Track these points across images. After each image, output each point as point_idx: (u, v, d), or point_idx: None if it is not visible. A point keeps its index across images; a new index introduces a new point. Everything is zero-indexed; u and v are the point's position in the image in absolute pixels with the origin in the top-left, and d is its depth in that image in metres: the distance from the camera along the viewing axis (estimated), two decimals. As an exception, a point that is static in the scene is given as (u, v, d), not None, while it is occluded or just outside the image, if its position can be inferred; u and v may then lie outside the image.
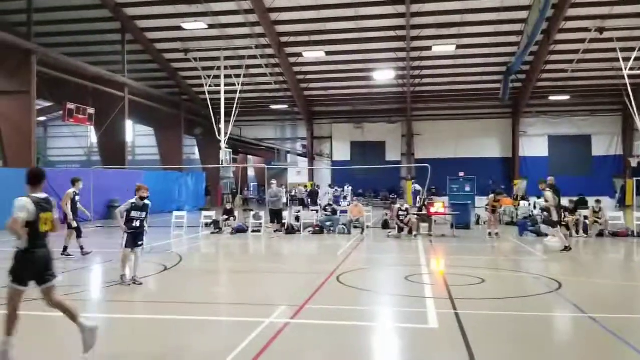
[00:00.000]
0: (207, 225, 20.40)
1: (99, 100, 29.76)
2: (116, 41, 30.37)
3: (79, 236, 13.35)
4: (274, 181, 19.47)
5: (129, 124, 33.81)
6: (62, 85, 27.14)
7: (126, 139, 32.25)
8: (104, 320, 7.80)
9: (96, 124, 29.48)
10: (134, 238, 9.88)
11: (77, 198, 13.51)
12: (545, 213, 15.38)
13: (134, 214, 9.87)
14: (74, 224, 13.19)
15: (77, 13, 28.34)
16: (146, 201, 10.03)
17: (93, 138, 41.94)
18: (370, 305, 8.61)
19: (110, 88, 29.51)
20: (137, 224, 9.89)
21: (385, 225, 20.60)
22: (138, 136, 49.50)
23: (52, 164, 45.62)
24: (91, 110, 27.83)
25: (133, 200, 9.92)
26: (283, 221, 19.45)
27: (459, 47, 30.45)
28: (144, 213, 10.00)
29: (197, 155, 44.62)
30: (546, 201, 14.70)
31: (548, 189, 15.21)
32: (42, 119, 44.62)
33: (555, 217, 14.54)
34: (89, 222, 21.02)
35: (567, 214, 17.28)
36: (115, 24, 29.55)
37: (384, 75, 34.67)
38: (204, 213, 21.52)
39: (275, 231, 18.98)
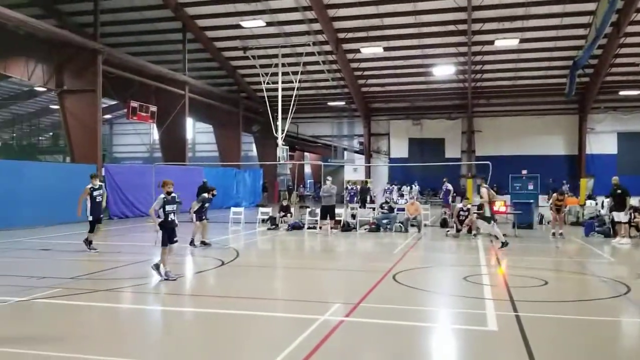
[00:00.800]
0: (263, 221, 20.56)
1: (160, 98, 30.56)
2: (177, 40, 31.08)
3: (91, 231, 13.36)
4: (329, 178, 19.35)
5: (189, 122, 34.55)
6: (126, 84, 27.99)
7: (186, 136, 32.99)
8: (160, 312, 8.01)
9: (158, 121, 30.27)
10: (170, 235, 9.96)
11: (95, 193, 13.40)
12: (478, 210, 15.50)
13: (168, 208, 9.96)
14: (90, 218, 13.34)
15: (140, 13, 29.15)
16: (173, 194, 10.10)
17: (155, 135, 43.14)
18: (427, 305, 8.44)
19: (171, 86, 30.27)
20: (172, 217, 9.99)
21: (444, 223, 20.17)
22: (198, 133, 50.59)
23: (116, 161, 47.32)
24: (153, 108, 28.58)
25: (163, 196, 9.98)
26: (337, 218, 19.32)
27: (522, 40, 29.38)
28: (175, 205, 10.11)
29: (254, 152, 45.13)
30: (481, 197, 14.78)
31: (485, 186, 15.41)
32: (107, 116, 46.32)
33: (488, 213, 14.55)
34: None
35: (637, 214, 16.38)
36: (177, 24, 30.21)
37: (444, 71, 33.93)
38: (261, 209, 21.71)
39: (330, 228, 18.82)
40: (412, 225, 19.40)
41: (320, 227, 18.87)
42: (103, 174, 23.61)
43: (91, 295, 8.64)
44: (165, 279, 9.58)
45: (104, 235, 16.50)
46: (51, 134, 54.08)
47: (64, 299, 8.28)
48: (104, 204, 13.90)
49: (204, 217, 14.76)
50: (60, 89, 25.59)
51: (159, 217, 9.95)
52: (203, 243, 14.68)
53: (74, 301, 8.20)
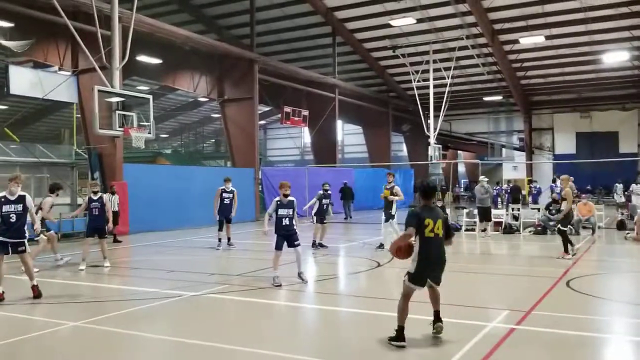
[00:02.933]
0: (417, 222, 19.83)
1: (311, 102, 31.30)
2: (327, 45, 31.60)
3: (220, 229, 14.57)
4: (483, 177, 18.09)
5: (339, 124, 34.96)
6: (279, 90, 29.04)
7: (337, 138, 33.40)
8: (316, 311, 7.94)
9: (309, 124, 30.99)
10: (285, 239, 9.41)
11: (224, 195, 14.51)
12: None
13: (281, 212, 9.41)
14: (217, 218, 14.57)
15: (291, 21, 30.08)
16: (290, 197, 9.57)
17: (306, 138, 44.39)
18: (606, 314, 7.61)
19: (321, 90, 30.85)
20: (286, 222, 9.40)
21: (621, 225, 17.97)
22: (347, 135, 51.21)
23: (271, 164, 49.57)
24: (305, 112, 29.29)
25: (278, 199, 9.54)
26: (498, 220, 18.02)
27: None
28: (291, 210, 9.52)
29: (404, 152, 44.63)
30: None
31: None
32: (262, 122, 48.70)
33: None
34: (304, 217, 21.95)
35: None
36: (326, 28, 30.70)
37: (615, 57, 30.55)
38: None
39: (482, 230, 17.64)
40: (584, 228, 17.53)
41: (484, 230, 17.75)
42: (260, 176, 24.63)
43: (253, 292, 8.87)
44: (273, 284, 9.24)
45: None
46: (213, 140, 58.31)
47: (231, 295, 8.77)
48: (235, 206, 14.48)
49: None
50: (221, 99, 27.30)
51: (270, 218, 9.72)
52: (320, 245, 14.43)
53: (239, 297, 8.59)
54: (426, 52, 29.19)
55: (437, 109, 28.70)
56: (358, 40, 31.95)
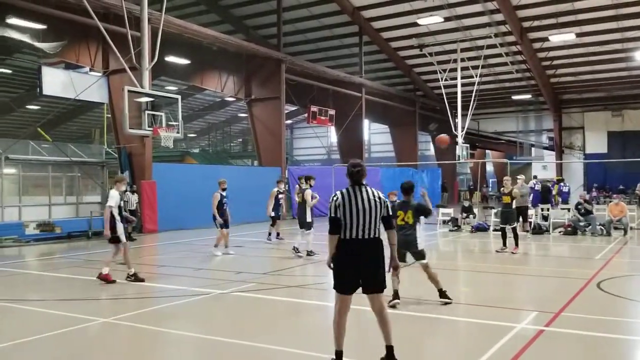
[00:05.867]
0: (444, 222, 19.81)
1: (338, 101, 31.27)
2: (354, 44, 31.55)
3: (272, 224, 15.39)
4: (520, 176, 17.74)
5: (365, 123, 34.88)
6: (306, 90, 29.09)
7: (363, 137, 33.32)
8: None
9: (336, 123, 30.97)
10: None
11: (279, 196, 15.05)
12: None
13: None
14: (272, 214, 15.15)
15: (318, 21, 30.10)
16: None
17: (333, 137, 44.38)
18: (637, 317, 7.61)
19: (348, 89, 30.82)
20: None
21: (655, 226, 17.57)
22: (373, 134, 51.07)
23: (297, 163, 49.69)
24: (332, 112, 29.29)
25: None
26: (529, 220, 17.76)
27: None
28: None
29: (431, 151, 44.29)
30: None
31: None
32: (289, 121, 48.85)
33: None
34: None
35: None
36: (353, 28, 30.64)
37: (649, 54, 29.79)
38: (441, 210, 20.99)
39: (524, 231, 17.37)
40: (616, 228, 17.16)
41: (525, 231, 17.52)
42: (287, 175, 24.73)
43: (280, 290, 8.94)
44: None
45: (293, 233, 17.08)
46: (240, 139, 58.75)
47: (258, 293, 8.80)
48: (285, 205, 15.33)
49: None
50: (248, 98, 27.48)
51: None
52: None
53: (266, 295, 8.64)
54: (454, 51, 28.90)
55: (465, 107, 28.40)
56: (385, 39, 31.80)
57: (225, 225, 12.88)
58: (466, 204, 20.12)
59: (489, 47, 28.98)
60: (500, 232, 13.68)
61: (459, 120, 28.42)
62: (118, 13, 16.58)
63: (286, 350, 5.89)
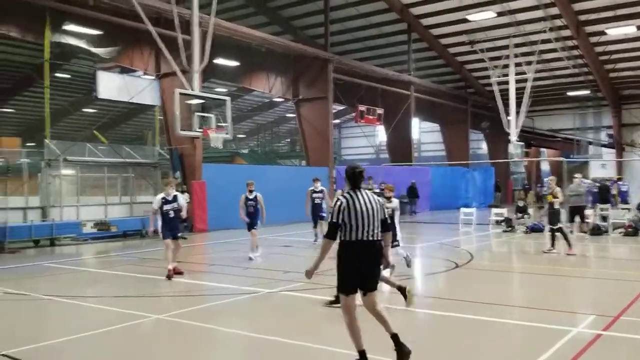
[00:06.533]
0: (497, 223, 19.33)
1: (386, 100, 31.04)
2: (402, 42, 31.19)
3: (314, 226, 15.00)
4: (577, 175, 17.08)
5: (415, 121, 34.47)
6: (354, 89, 28.96)
7: (412, 136, 32.92)
8: (393, 312, 7.70)
9: (384, 122, 30.71)
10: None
11: (314, 195, 14.72)
12: None
13: None
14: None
15: (366, 20, 29.89)
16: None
17: (381, 136, 44.04)
18: None
19: (397, 87, 30.54)
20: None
21: None
22: (423, 132, 50.40)
23: (345, 163, 49.63)
24: (380, 111, 29.06)
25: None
26: (587, 220, 17.06)
27: None
28: None
29: (484, 150, 43.40)
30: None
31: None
32: (336, 121, 48.79)
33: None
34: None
35: None
36: (402, 25, 30.28)
37: None
38: (494, 210, 20.49)
39: (582, 232, 16.72)
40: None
41: (572, 231, 16.87)
42: (334, 175, 24.68)
43: (328, 290, 8.77)
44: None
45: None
46: (288, 140, 59.16)
47: (306, 293, 8.79)
48: (324, 205, 14.85)
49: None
50: (296, 99, 27.61)
51: None
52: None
53: (314, 295, 8.58)
54: (506, 47, 28.19)
55: (519, 105, 27.69)
56: (434, 36, 31.29)
57: (250, 226, 12.59)
58: (520, 203, 19.52)
59: (544, 42, 28.11)
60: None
61: (512, 117, 27.69)
62: (169, 18, 16.94)
63: (330, 349, 5.87)
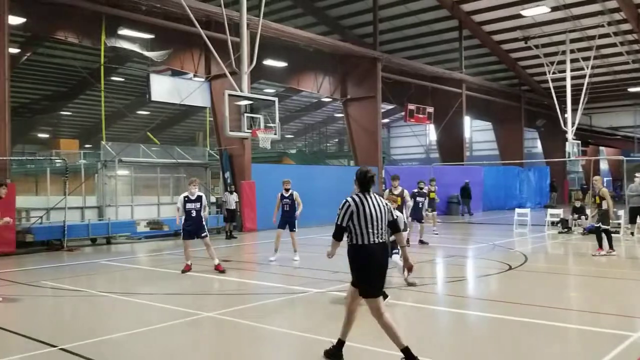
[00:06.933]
0: (553, 224, 18.71)
1: (436, 98, 30.55)
2: (453, 39, 30.62)
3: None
4: (638, 174, 16.33)
5: (466, 120, 33.84)
6: (403, 88, 28.63)
7: (464, 135, 32.31)
8: (443, 313, 7.70)
9: (435, 121, 30.24)
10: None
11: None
12: None
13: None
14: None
15: (416, 17, 29.47)
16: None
17: (431, 136, 43.43)
18: None
19: (447, 86, 30.02)
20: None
21: None
22: (475, 131, 49.42)
23: (394, 162, 49.17)
24: (430, 109, 28.63)
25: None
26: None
27: None
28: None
29: (539, 149, 42.25)
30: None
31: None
32: (385, 120, 48.43)
33: None
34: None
35: None
36: (452, 22, 29.72)
37: None
38: (550, 211, 19.86)
39: (631, 233, 15.98)
40: None
41: (632, 233, 16.16)
42: (383, 175, 24.44)
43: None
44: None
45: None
46: (336, 140, 59.13)
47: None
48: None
49: (422, 218, 15.05)
50: (344, 98, 27.51)
51: None
52: (421, 242, 14.73)
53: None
54: (562, 42, 27.31)
55: (575, 102, 26.77)
56: (486, 32, 30.57)
57: (280, 226, 12.48)
58: (577, 204, 18.81)
59: (602, 36, 27.09)
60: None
61: (568, 115, 26.79)
62: (219, 20, 17.16)
63: (372, 349, 5.81)
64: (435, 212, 18.57)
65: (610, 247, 12.62)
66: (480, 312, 7.72)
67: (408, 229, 12.53)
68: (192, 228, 10.66)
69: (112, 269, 11.81)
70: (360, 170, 5.42)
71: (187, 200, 10.61)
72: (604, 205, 12.66)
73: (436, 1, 27.75)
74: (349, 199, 5.26)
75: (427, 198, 16.00)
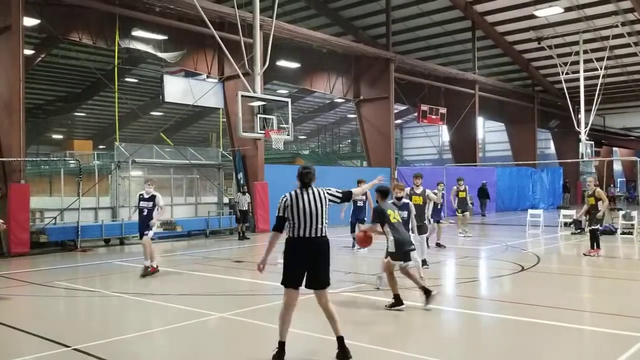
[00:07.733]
0: (566, 225, 18.58)
1: (449, 99, 30.47)
2: (466, 40, 30.52)
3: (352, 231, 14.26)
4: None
5: (479, 121, 33.69)
6: (416, 89, 28.57)
7: (477, 136, 32.17)
8: (454, 314, 7.71)
9: (447, 122, 30.16)
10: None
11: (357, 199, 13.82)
12: None
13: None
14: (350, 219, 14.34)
15: (429, 18, 29.42)
16: (404, 200, 9.03)
17: (444, 136, 43.28)
18: None
19: (460, 86, 29.94)
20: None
21: None
22: (488, 132, 49.19)
23: (407, 163, 49.07)
24: (443, 110, 28.56)
25: (391, 201, 8.59)
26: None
27: None
28: (405, 212, 8.71)
29: (552, 149, 41.98)
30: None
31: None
32: (398, 121, 48.32)
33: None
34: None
35: None
36: (466, 23, 29.63)
37: None
38: (563, 212, 19.75)
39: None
40: None
41: None
42: (396, 176, 24.40)
43: (389, 292, 8.66)
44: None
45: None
46: (349, 140, 59.11)
47: (366, 294, 8.73)
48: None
49: (440, 219, 14.62)
50: (357, 99, 27.51)
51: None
52: (438, 245, 14.48)
53: (374, 296, 8.48)
54: (575, 43, 27.11)
55: (589, 102, 26.55)
56: (500, 33, 30.44)
57: None
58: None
59: (615, 37, 26.86)
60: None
61: (582, 115, 26.59)
62: (232, 21, 17.26)
63: (385, 350, 5.82)
64: (467, 213, 17.84)
65: (597, 246, 12.78)
66: (493, 313, 7.72)
67: (429, 230, 12.46)
68: (140, 226, 10.74)
69: (125, 270, 11.92)
70: (300, 166, 5.72)
71: (140, 198, 10.68)
72: (600, 206, 12.66)
73: (449, 2, 27.70)
74: (287, 193, 5.52)
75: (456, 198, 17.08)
